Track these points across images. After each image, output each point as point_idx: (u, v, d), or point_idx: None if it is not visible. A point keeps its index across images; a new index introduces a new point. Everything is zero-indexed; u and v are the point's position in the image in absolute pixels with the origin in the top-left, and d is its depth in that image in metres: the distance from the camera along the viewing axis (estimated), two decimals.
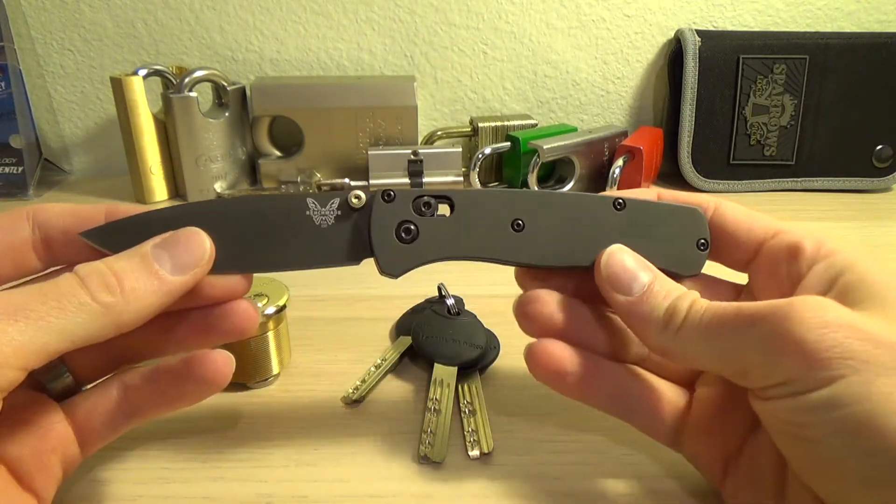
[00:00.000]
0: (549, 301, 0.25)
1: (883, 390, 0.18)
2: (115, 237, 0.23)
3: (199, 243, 0.22)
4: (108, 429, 0.24)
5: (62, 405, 0.24)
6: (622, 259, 0.24)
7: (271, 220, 0.24)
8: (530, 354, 0.25)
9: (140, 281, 0.20)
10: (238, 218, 0.23)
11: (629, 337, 0.26)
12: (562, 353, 0.24)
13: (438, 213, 0.25)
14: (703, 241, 0.26)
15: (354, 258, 0.24)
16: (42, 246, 0.23)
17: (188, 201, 0.62)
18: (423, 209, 0.24)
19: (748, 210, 0.26)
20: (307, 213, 0.24)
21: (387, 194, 0.24)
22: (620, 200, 0.25)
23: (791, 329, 0.19)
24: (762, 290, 0.25)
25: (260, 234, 0.24)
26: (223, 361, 0.23)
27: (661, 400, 0.26)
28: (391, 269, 0.24)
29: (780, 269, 0.24)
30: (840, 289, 0.22)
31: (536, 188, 0.60)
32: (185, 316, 0.24)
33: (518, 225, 0.25)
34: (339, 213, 0.24)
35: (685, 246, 0.25)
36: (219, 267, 0.23)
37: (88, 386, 0.25)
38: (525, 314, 0.25)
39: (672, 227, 0.25)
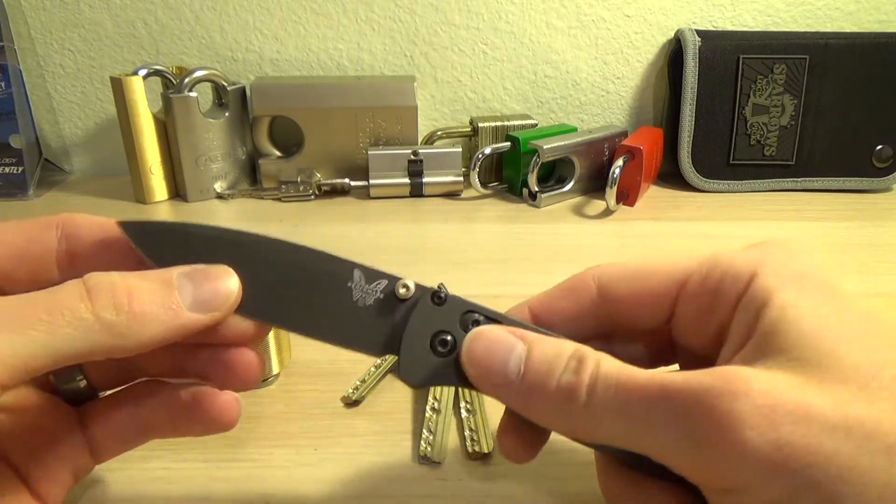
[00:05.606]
0: None
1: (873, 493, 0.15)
2: (151, 237, 0.21)
3: (228, 286, 0.20)
4: (120, 442, 0.23)
5: (78, 411, 0.23)
6: (485, 342, 0.21)
7: (310, 278, 0.22)
8: None
9: (153, 306, 0.19)
10: (278, 263, 0.22)
11: None
12: None
13: None
14: None
15: (378, 350, 0.22)
16: (66, 258, 0.22)
17: (188, 202, 0.62)
18: (469, 326, 0.22)
19: (638, 268, 0.23)
20: (349, 284, 0.22)
21: (437, 297, 0.22)
22: None
23: (733, 432, 0.16)
24: (687, 343, 0.22)
25: (293, 288, 0.22)
26: (231, 405, 0.23)
27: None
28: (411, 378, 0.22)
29: (705, 319, 0.21)
30: (761, 333, 0.18)
31: (537, 188, 0.61)
32: (193, 352, 0.23)
33: None
34: (381, 296, 0.22)
35: None
36: (241, 308, 0.21)
37: (105, 393, 0.24)
38: None
39: None
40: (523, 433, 0.22)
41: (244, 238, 0.22)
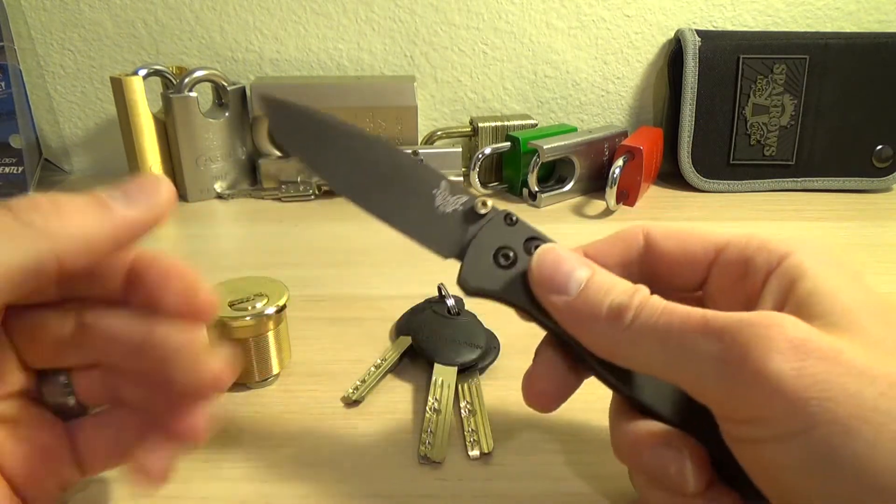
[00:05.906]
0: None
1: (880, 436, 0.15)
2: (283, 113, 0.25)
3: (159, 187, 0.20)
4: (108, 459, 0.23)
5: (67, 426, 0.23)
6: (556, 255, 0.22)
7: (403, 177, 0.25)
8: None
9: (83, 208, 0.19)
10: (378, 157, 0.25)
11: None
12: None
13: None
14: None
15: (445, 251, 0.25)
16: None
17: (188, 202, 0.62)
18: (532, 249, 0.24)
19: (682, 230, 0.24)
20: (434, 191, 0.25)
21: (509, 217, 0.25)
22: None
23: (761, 356, 0.17)
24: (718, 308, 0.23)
25: (386, 181, 0.25)
26: (200, 424, 0.22)
27: None
28: (469, 279, 0.24)
29: (736, 287, 0.22)
30: (795, 301, 0.19)
31: (537, 188, 0.61)
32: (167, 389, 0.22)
33: None
34: (460, 208, 0.25)
35: None
36: (336, 186, 0.24)
37: (95, 410, 0.24)
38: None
39: None
40: (553, 381, 0.24)
41: (356, 130, 0.25)
